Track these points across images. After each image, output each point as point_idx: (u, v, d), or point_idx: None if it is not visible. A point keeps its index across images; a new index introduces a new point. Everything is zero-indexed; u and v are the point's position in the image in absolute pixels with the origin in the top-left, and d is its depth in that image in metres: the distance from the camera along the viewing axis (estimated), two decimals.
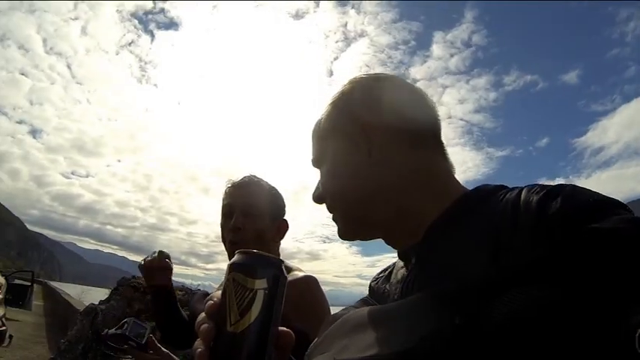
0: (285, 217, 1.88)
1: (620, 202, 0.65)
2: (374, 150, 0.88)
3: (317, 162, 1.01)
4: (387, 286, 0.92)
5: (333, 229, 0.99)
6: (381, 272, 1.01)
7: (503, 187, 0.80)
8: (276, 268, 0.71)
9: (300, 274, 1.67)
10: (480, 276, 0.62)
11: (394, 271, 0.93)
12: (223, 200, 1.85)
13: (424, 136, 0.91)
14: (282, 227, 1.85)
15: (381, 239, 0.94)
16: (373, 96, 0.91)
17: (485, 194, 0.79)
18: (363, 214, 0.90)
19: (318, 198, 0.99)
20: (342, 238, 0.97)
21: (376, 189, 0.88)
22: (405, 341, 0.61)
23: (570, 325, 0.52)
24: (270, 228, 1.79)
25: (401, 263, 0.91)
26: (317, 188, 1.00)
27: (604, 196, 0.66)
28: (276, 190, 1.87)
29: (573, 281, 0.54)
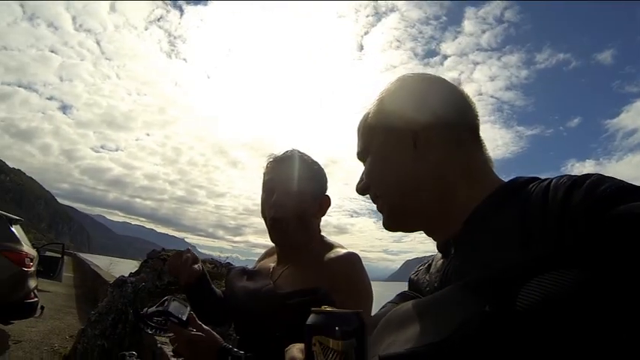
0: (326, 193, 1.80)
1: None
2: (419, 145, 0.93)
3: (362, 155, 1.05)
4: (427, 277, 0.98)
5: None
6: (420, 265, 1.07)
7: (536, 178, 0.84)
8: (358, 321, 0.71)
9: (343, 251, 1.61)
10: (509, 264, 0.66)
11: (433, 262, 0.99)
12: (264, 175, 1.79)
13: (464, 133, 0.96)
14: (324, 203, 1.77)
15: (421, 231, 0.99)
16: (419, 95, 0.96)
17: (520, 185, 0.84)
18: (405, 205, 0.96)
19: (362, 189, 1.05)
20: (386, 229, 1.01)
21: (418, 182, 0.93)
22: (440, 332, 0.64)
23: (592, 308, 0.55)
24: (312, 204, 1.72)
25: (440, 255, 0.97)
26: (361, 180, 1.05)
27: (628, 183, 0.68)
28: (319, 165, 1.79)
29: (595, 266, 0.58)
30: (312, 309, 0.75)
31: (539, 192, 0.75)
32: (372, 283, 1.61)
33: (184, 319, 1.49)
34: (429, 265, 1.01)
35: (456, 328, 0.63)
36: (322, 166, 1.78)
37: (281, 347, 1.41)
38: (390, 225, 1.00)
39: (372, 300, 1.56)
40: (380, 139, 1.00)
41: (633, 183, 0.68)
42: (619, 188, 0.66)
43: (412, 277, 1.06)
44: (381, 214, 1.02)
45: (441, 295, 0.74)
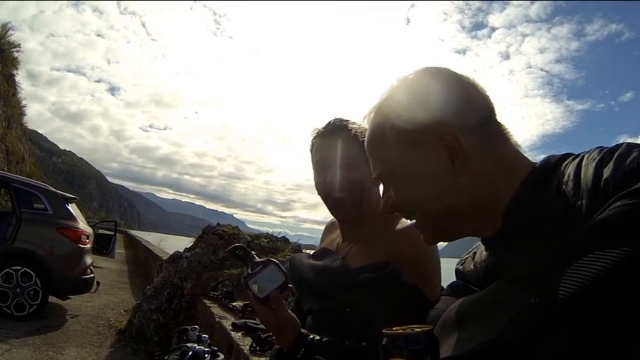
0: None
1: None
2: (456, 158, 0.88)
3: (385, 175, 0.99)
4: (472, 266, 0.96)
5: None
6: (465, 254, 1.05)
7: (568, 155, 0.83)
8: (429, 339, 0.73)
9: (409, 222, 1.46)
10: (550, 250, 0.64)
11: (478, 251, 0.97)
12: (313, 154, 1.69)
13: (491, 126, 0.92)
14: None
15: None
16: (436, 99, 0.90)
17: (552, 166, 0.83)
18: (451, 219, 0.92)
19: (391, 209, 0.98)
20: (430, 244, 1.04)
21: (462, 194, 0.89)
22: (490, 331, 0.64)
23: (635, 287, 0.54)
24: (367, 174, 1.51)
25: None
26: (387, 199, 0.99)
27: None
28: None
29: (634, 242, 0.55)
30: (384, 331, 0.78)
31: (572, 171, 0.75)
32: None
33: (263, 296, 1.32)
34: (474, 254, 0.99)
35: (505, 324, 0.63)
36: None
37: (351, 323, 1.35)
38: (436, 241, 1.01)
39: (439, 272, 1.52)
40: (408, 156, 0.93)
41: None
42: None
43: (459, 267, 1.04)
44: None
45: (488, 292, 0.74)
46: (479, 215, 0.90)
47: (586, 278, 0.56)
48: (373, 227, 1.57)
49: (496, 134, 0.92)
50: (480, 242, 0.99)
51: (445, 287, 1.04)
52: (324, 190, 1.64)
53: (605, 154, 0.71)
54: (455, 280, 1.04)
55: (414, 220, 1.47)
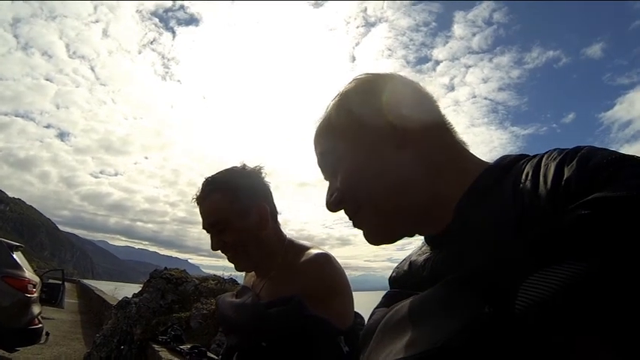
0: (260, 199, 1.70)
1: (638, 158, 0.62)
2: (403, 143, 0.88)
3: (333, 164, 0.97)
4: (409, 268, 0.92)
5: None
6: (399, 264, 1.01)
7: (524, 155, 0.80)
8: None
9: (312, 253, 1.57)
10: (505, 256, 0.60)
11: (415, 255, 0.94)
12: None
13: (440, 122, 0.92)
14: (262, 213, 1.67)
15: (407, 238, 0.93)
16: (386, 92, 0.92)
17: (508, 164, 0.80)
18: (396, 206, 0.88)
19: (337, 201, 0.95)
20: (373, 242, 0.93)
21: (406, 179, 0.87)
22: (441, 337, 0.60)
23: (594, 304, 0.50)
24: (247, 226, 1.64)
25: (423, 247, 0.93)
26: (332, 192, 0.96)
27: (620, 154, 0.63)
28: (235, 176, 1.71)
29: (594, 255, 0.52)
30: None
31: (530, 170, 0.71)
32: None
33: None
34: (409, 257, 0.96)
35: (456, 331, 0.58)
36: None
37: (268, 357, 1.41)
38: (378, 238, 0.92)
39: (349, 300, 1.55)
40: (354, 144, 0.93)
41: None
42: (613, 160, 0.62)
43: (393, 275, 1.00)
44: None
45: (435, 293, 0.68)
46: (426, 208, 0.86)
47: (545, 292, 0.52)
48: (281, 263, 1.62)
49: (443, 129, 0.92)
50: (415, 249, 0.97)
51: (381, 299, 0.96)
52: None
53: (567, 154, 0.67)
54: (390, 290, 0.98)
55: (314, 253, 1.54)
